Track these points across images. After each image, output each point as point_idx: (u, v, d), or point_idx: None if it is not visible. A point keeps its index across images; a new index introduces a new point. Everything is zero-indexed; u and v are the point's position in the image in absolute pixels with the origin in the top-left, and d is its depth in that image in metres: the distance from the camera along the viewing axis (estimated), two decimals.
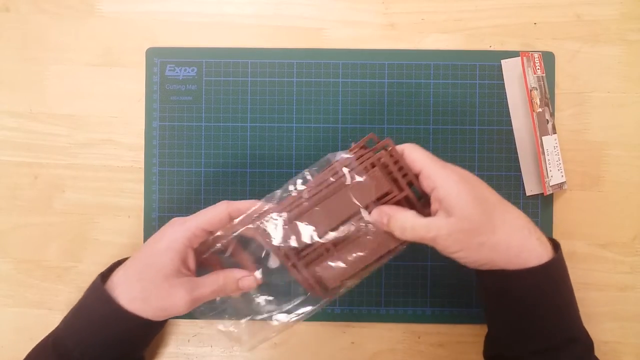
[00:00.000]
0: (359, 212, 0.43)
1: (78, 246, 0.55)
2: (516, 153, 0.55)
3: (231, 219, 0.45)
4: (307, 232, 0.43)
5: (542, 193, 0.54)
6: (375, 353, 0.55)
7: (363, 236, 0.43)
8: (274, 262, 0.47)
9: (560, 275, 0.42)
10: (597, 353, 0.55)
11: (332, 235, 0.43)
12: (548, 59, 0.55)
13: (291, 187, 0.44)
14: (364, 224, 0.43)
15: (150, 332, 0.47)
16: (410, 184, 0.43)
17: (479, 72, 0.55)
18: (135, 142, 0.56)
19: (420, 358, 0.55)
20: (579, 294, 0.55)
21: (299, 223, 0.43)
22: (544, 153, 0.53)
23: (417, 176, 0.42)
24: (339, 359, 0.55)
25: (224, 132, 0.56)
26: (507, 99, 0.55)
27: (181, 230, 0.44)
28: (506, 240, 0.40)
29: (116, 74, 0.56)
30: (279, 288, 0.48)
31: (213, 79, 0.56)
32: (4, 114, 0.55)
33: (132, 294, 0.42)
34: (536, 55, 0.54)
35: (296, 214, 0.43)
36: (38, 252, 0.56)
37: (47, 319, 0.56)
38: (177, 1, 0.56)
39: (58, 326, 0.46)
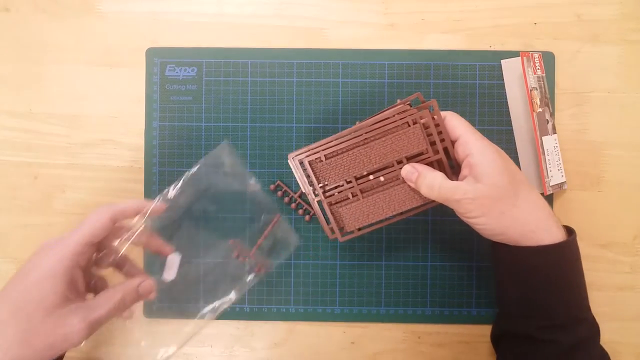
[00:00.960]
0: (391, 164, 0.46)
1: None
2: (516, 153, 0.55)
3: (115, 222, 0.42)
4: (338, 174, 0.46)
5: (542, 193, 0.54)
6: (375, 353, 0.55)
7: (391, 188, 0.46)
8: (168, 275, 0.47)
9: (572, 257, 0.43)
10: None
11: (361, 180, 0.46)
12: (548, 59, 0.55)
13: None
14: (394, 177, 0.46)
15: None
16: (445, 150, 0.45)
17: (479, 72, 0.55)
18: (135, 142, 0.56)
19: (420, 358, 0.55)
20: None
21: (330, 162, 0.46)
22: (544, 153, 0.53)
23: (453, 143, 0.45)
24: (339, 359, 0.55)
25: (224, 132, 0.55)
26: (507, 99, 0.55)
27: (58, 252, 0.38)
28: (526, 215, 0.42)
29: (116, 74, 0.56)
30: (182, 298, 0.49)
31: (213, 79, 0.56)
32: (4, 114, 0.55)
33: (6, 343, 0.35)
34: (536, 55, 0.54)
35: (332, 152, 0.45)
36: None
37: None
38: (177, 1, 0.56)
39: None
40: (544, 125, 0.54)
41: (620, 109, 0.56)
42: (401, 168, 0.45)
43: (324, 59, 0.55)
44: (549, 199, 0.55)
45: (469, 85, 0.55)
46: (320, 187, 0.47)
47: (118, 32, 0.56)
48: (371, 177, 0.46)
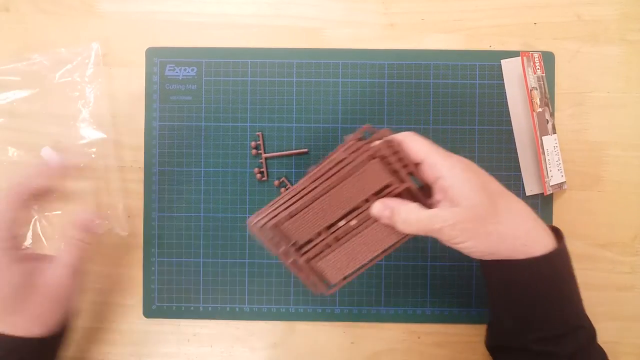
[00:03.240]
0: (360, 205, 0.43)
1: None
2: (516, 153, 0.55)
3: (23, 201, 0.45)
4: (307, 228, 0.43)
5: (542, 193, 0.54)
6: (375, 353, 0.55)
7: (366, 229, 0.43)
8: (53, 163, 0.49)
9: (564, 263, 0.42)
10: None
11: (333, 228, 0.43)
12: (548, 59, 0.55)
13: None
14: (365, 217, 0.43)
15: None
16: (410, 174, 0.43)
17: (479, 72, 0.55)
18: (135, 142, 0.56)
19: (420, 358, 0.55)
20: None
21: (294, 219, 0.43)
22: (544, 153, 0.53)
23: (416, 165, 0.42)
24: (339, 359, 0.55)
25: (224, 132, 0.56)
26: (507, 99, 0.55)
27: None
28: (513, 230, 0.40)
29: (116, 74, 0.56)
30: None
31: (213, 79, 0.56)
32: (4, 113, 0.55)
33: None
34: (536, 55, 0.54)
35: (295, 210, 0.42)
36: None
37: None
38: (177, 1, 0.56)
39: None
40: (544, 125, 0.54)
41: (620, 109, 0.56)
42: (370, 207, 0.42)
43: (324, 59, 0.55)
44: (549, 199, 0.55)
45: (469, 85, 0.55)
46: (292, 246, 0.43)
47: (118, 32, 0.56)
48: (342, 223, 0.43)
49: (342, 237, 0.43)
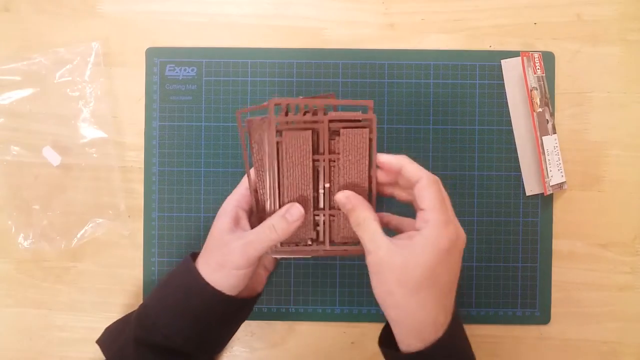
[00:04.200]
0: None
1: (78, 246, 0.55)
2: (516, 153, 0.55)
3: None
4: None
5: (542, 193, 0.54)
6: (376, 353, 0.55)
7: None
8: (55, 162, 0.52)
9: (460, 340, 0.42)
10: (597, 353, 0.56)
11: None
12: (548, 59, 0.55)
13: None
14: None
15: (228, 310, 0.46)
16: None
17: (479, 72, 0.55)
18: (135, 142, 0.56)
19: None
20: (579, 294, 0.55)
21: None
22: (544, 153, 0.53)
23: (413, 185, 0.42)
24: (339, 359, 0.55)
25: (224, 132, 0.55)
26: (507, 99, 0.55)
27: (228, 198, 0.47)
28: (422, 314, 0.39)
29: (116, 74, 0.56)
30: None
31: (213, 79, 0.56)
32: (4, 113, 0.55)
33: (202, 263, 0.45)
34: (536, 55, 0.54)
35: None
36: (38, 252, 0.56)
37: (47, 319, 0.56)
38: (177, 1, 0.56)
39: (145, 300, 0.47)
40: (544, 125, 0.54)
41: (620, 109, 0.56)
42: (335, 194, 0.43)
43: (324, 59, 0.55)
44: (549, 199, 0.55)
45: (469, 85, 0.55)
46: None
47: (118, 32, 0.56)
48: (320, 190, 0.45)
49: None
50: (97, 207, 0.56)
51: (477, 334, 0.55)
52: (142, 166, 0.56)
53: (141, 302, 0.55)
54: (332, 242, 0.45)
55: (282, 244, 0.45)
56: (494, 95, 0.55)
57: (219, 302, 0.44)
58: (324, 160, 0.44)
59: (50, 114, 0.56)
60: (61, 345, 0.56)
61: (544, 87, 0.55)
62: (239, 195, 0.46)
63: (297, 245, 0.46)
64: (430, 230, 0.38)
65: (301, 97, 0.46)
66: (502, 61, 0.55)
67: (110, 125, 0.56)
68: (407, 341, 0.40)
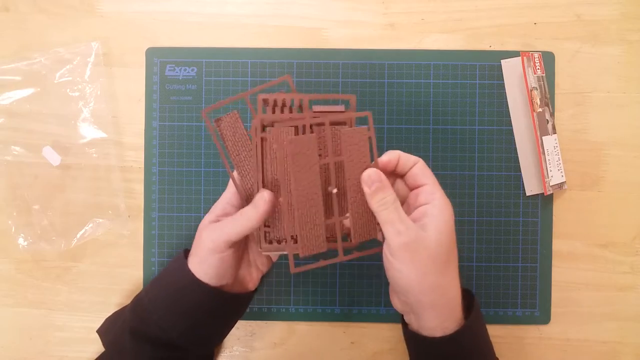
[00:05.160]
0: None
1: (78, 246, 0.55)
2: (516, 153, 0.55)
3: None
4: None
5: (542, 193, 0.54)
6: (375, 353, 0.55)
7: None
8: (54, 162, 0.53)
9: (470, 343, 0.42)
10: (597, 353, 0.56)
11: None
12: (548, 59, 0.55)
13: None
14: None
15: (217, 303, 0.46)
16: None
17: (479, 72, 0.55)
18: (135, 142, 0.56)
19: None
20: (579, 294, 0.55)
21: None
22: (544, 153, 0.53)
23: (411, 188, 0.43)
24: (339, 359, 0.55)
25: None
26: (507, 99, 0.55)
27: (221, 197, 0.47)
28: (452, 289, 0.40)
29: (116, 74, 0.56)
30: None
31: (213, 79, 0.56)
32: (4, 113, 0.55)
33: (189, 258, 0.46)
34: (536, 55, 0.54)
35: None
36: (38, 252, 0.56)
37: (47, 319, 0.56)
38: (177, 1, 0.56)
39: (140, 292, 0.48)
40: (544, 125, 0.54)
41: (620, 109, 0.56)
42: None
43: (324, 59, 0.55)
44: (549, 199, 0.55)
45: (469, 85, 0.55)
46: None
47: (118, 32, 0.56)
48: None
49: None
50: (97, 207, 0.56)
51: None
52: (142, 166, 0.56)
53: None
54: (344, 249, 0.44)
55: (302, 257, 0.43)
56: (494, 95, 0.55)
57: (206, 295, 0.44)
58: (327, 163, 0.42)
59: (50, 114, 0.56)
60: (61, 345, 0.56)
61: (544, 87, 0.55)
62: (229, 194, 0.47)
63: (317, 260, 0.44)
64: (439, 202, 0.40)
65: (282, 91, 0.45)
66: (502, 61, 0.55)
67: (110, 125, 0.56)
68: (434, 322, 0.40)
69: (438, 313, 0.40)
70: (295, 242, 0.42)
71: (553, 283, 0.55)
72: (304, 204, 0.41)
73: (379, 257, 0.55)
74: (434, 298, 0.40)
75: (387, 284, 0.55)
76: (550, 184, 0.54)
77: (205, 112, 0.44)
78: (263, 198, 0.42)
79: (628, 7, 0.55)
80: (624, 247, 0.55)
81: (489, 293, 0.55)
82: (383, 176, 0.41)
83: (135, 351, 0.45)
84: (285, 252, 0.47)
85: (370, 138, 0.42)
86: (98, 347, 0.47)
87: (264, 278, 0.53)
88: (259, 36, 0.56)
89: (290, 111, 0.44)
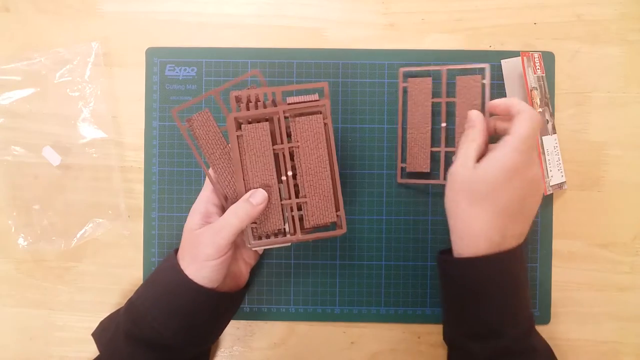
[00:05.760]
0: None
1: (78, 246, 0.55)
2: None
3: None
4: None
5: (542, 193, 0.54)
6: (375, 353, 0.55)
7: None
8: (54, 162, 0.54)
9: (504, 269, 0.44)
10: (597, 353, 0.55)
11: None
12: (548, 59, 0.55)
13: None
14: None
15: (212, 303, 0.47)
16: None
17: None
18: (135, 142, 0.56)
19: (420, 358, 0.55)
20: (579, 294, 0.55)
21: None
22: (544, 153, 0.53)
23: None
24: (339, 359, 0.55)
25: (224, 132, 0.55)
26: None
27: (199, 196, 0.48)
28: (478, 225, 0.43)
29: (116, 74, 0.56)
30: None
31: (213, 79, 0.56)
32: (4, 113, 0.55)
33: (180, 259, 0.46)
34: (536, 55, 0.54)
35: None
36: (38, 252, 0.56)
37: (47, 319, 0.56)
38: (177, 1, 0.56)
39: (131, 296, 0.48)
40: (544, 125, 0.54)
41: (620, 109, 0.56)
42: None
43: (324, 59, 0.55)
44: (549, 199, 0.55)
45: None
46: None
47: (118, 32, 0.56)
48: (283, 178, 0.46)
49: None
50: (97, 207, 0.56)
51: None
52: (142, 166, 0.56)
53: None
54: (303, 230, 0.47)
55: (256, 236, 0.46)
56: (494, 95, 0.55)
57: (201, 295, 0.45)
58: (283, 150, 0.45)
59: (50, 114, 0.56)
60: (61, 345, 0.56)
61: (544, 87, 0.55)
62: (208, 192, 0.48)
63: (269, 237, 0.47)
64: (500, 151, 0.42)
65: (254, 86, 0.48)
66: (502, 61, 0.55)
67: (110, 125, 0.56)
68: (461, 250, 0.44)
69: (457, 238, 0.45)
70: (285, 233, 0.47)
71: (553, 283, 0.55)
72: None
73: (379, 257, 0.56)
74: (456, 223, 0.44)
75: (386, 284, 0.55)
76: (550, 184, 0.54)
77: (176, 111, 0.45)
78: (263, 194, 0.45)
79: (628, 7, 0.55)
80: (624, 247, 0.55)
81: None
82: (480, 118, 0.45)
83: (130, 354, 0.45)
84: (274, 246, 0.49)
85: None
86: (97, 348, 0.47)
87: (253, 272, 0.54)
88: (259, 36, 0.56)
89: (265, 106, 0.45)
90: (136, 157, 0.56)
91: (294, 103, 0.45)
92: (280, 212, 0.46)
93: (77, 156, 0.56)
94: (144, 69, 0.56)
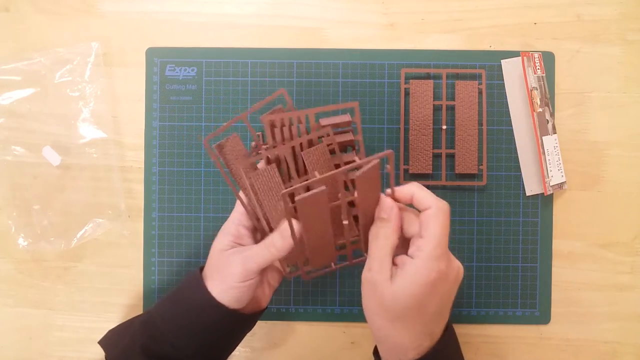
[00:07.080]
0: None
1: (78, 246, 0.55)
2: (516, 153, 0.55)
3: None
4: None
5: (543, 193, 0.54)
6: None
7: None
8: (55, 162, 0.52)
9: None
10: (597, 353, 0.56)
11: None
12: (548, 59, 0.55)
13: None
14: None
15: (234, 324, 0.46)
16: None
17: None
18: (135, 142, 0.56)
19: None
20: (579, 294, 0.55)
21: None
22: (544, 153, 0.53)
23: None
24: (339, 359, 0.55)
25: (224, 132, 0.55)
26: (507, 99, 0.55)
27: (230, 217, 0.47)
28: (405, 339, 0.39)
29: (116, 74, 0.56)
30: None
31: (213, 79, 0.56)
32: (4, 113, 0.55)
33: (206, 278, 0.45)
34: (536, 55, 0.54)
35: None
36: (38, 252, 0.56)
37: (47, 319, 0.56)
38: (177, 1, 0.56)
39: (150, 309, 0.47)
40: (544, 125, 0.54)
41: (620, 109, 0.56)
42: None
43: (324, 59, 0.55)
44: (549, 199, 0.55)
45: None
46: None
47: (118, 32, 0.56)
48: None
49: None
50: (97, 207, 0.56)
51: (477, 334, 0.55)
52: (142, 166, 0.56)
53: (141, 302, 0.55)
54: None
55: (309, 272, 0.46)
56: (494, 95, 0.55)
57: (225, 316, 0.44)
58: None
59: (50, 114, 0.56)
60: (61, 345, 0.56)
61: (544, 87, 0.55)
62: (238, 214, 0.46)
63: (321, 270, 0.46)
64: (421, 262, 0.38)
65: (281, 106, 0.45)
66: (502, 61, 0.55)
67: (110, 125, 0.56)
68: (389, 357, 0.41)
69: (382, 348, 0.41)
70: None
71: (553, 283, 0.55)
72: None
73: None
74: (379, 336, 0.40)
75: None
76: (551, 184, 0.54)
77: (206, 140, 0.44)
78: (292, 230, 0.41)
79: (628, 7, 0.55)
80: (624, 247, 0.55)
81: (489, 293, 0.55)
82: (394, 210, 0.40)
83: None
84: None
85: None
86: (98, 348, 0.47)
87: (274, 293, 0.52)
88: (259, 36, 0.56)
89: (290, 131, 0.43)
90: (136, 157, 0.56)
91: (327, 125, 0.43)
92: (334, 256, 0.44)
93: (77, 156, 0.56)
94: (144, 69, 0.56)
